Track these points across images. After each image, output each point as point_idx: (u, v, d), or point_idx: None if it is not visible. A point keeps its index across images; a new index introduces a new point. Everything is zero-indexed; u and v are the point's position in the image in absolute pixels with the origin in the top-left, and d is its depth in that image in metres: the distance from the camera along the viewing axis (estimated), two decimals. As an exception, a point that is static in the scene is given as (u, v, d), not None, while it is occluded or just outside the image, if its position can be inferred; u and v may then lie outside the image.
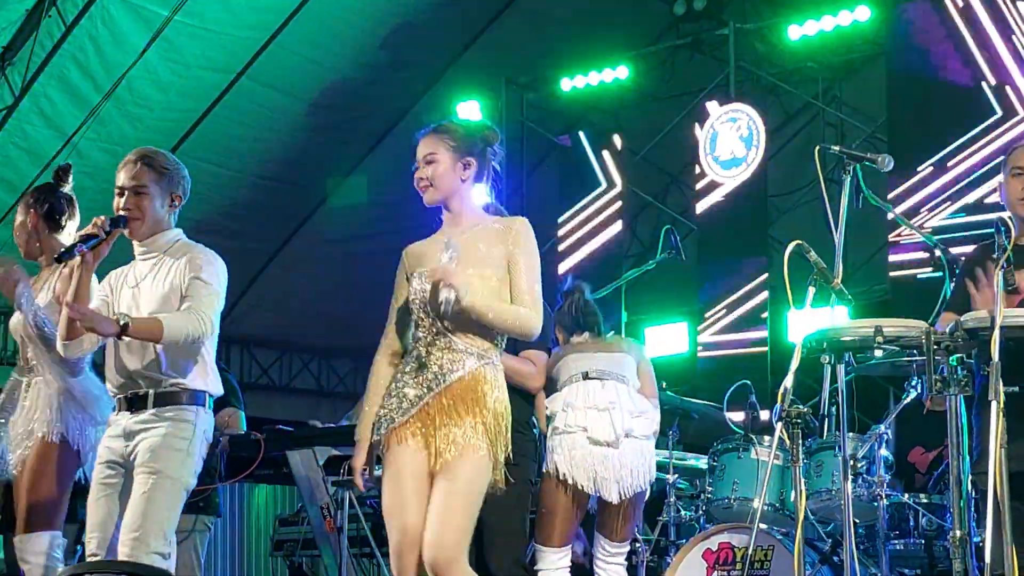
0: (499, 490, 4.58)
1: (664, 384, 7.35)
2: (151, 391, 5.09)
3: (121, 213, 5.17)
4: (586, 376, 5.84)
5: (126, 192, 5.20)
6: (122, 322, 4.88)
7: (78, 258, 5.05)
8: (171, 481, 5.02)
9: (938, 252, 5.39)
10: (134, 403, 5.12)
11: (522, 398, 5.37)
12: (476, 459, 4.44)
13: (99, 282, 5.31)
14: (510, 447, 4.57)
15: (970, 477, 4.61)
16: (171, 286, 5.13)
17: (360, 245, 12.38)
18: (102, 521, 5.11)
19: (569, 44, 12.44)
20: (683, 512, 7.21)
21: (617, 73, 12.44)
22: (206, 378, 5.17)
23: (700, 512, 7.01)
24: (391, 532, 4.54)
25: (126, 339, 5.02)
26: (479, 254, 4.58)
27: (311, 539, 8.06)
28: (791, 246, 5.20)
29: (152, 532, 4.95)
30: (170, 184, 5.25)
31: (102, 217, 5.09)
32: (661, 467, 7.07)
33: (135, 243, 5.28)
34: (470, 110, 12.45)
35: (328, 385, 14.27)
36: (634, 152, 12.78)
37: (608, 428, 5.74)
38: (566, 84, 12.66)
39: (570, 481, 5.69)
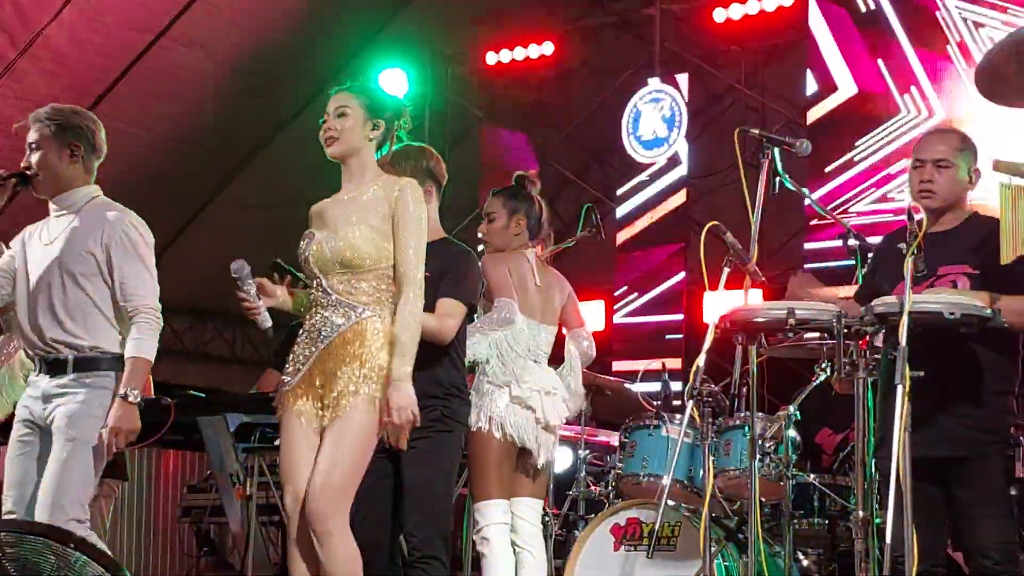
0: (417, 450, 4.72)
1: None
2: (71, 356, 5.06)
3: (22, 168, 5.12)
4: (529, 356, 5.87)
5: (28, 149, 5.16)
6: (133, 402, 4.95)
7: None
8: (86, 448, 4.99)
9: (851, 239, 5.44)
10: (53, 367, 5.08)
11: (455, 361, 5.35)
12: (357, 414, 4.49)
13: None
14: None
15: (874, 459, 4.67)
16: (87, 247, 5.07)
17: (278, 212, 12.30)
18: (19, 479, 5.10)
19: (496, 19, 12.41)
20: (592, 487, 7.26)
21: (542, 49, 12.44)
22: (119, 341, 5.13)
23: (609, 488, 7.05)
24: (286, 497, 4.64)
25: (37, 302, 5.05)
26: (369, 209, 4.66)
27: (219, 506, 8.03)
28: (708, 227, 5.25)
29: (68, 498, 4.94)
30: (66, 137, 5.15)
31: (1, 171, 5.07)
32: (572, 442, 7.13)
33: (49, 201, 5.22)
34: (395, 79, 12.40)
35: (242, 352, 14.18)
36: (556, 129, 12.79)
37: (552, 411, 5.82)
38: (491, 58, 12.64)
39: (500, 436, 5.71)
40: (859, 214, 10.40)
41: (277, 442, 7.13)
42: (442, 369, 5.24)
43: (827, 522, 6.37)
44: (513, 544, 5.75)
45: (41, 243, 5.18)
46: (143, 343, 5.02)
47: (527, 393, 5.73)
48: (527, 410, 5.75)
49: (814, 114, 10.90)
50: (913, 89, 10.42)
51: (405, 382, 4.50)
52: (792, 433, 6.25)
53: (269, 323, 4.78)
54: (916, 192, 5.05)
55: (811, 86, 10.91)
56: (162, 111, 11.33)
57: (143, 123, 11.12)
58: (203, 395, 7.49)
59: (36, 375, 5.15)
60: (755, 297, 5.68)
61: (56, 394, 5.04)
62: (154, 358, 5.05)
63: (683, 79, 11.90)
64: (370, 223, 4.64)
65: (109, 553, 4.76)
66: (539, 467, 5.86)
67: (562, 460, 7.02)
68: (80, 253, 5.07)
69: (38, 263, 5.13)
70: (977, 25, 10.15)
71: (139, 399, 4.98)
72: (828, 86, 10.84)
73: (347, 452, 4.51)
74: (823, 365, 6.13)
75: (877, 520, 4.64)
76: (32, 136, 5.15)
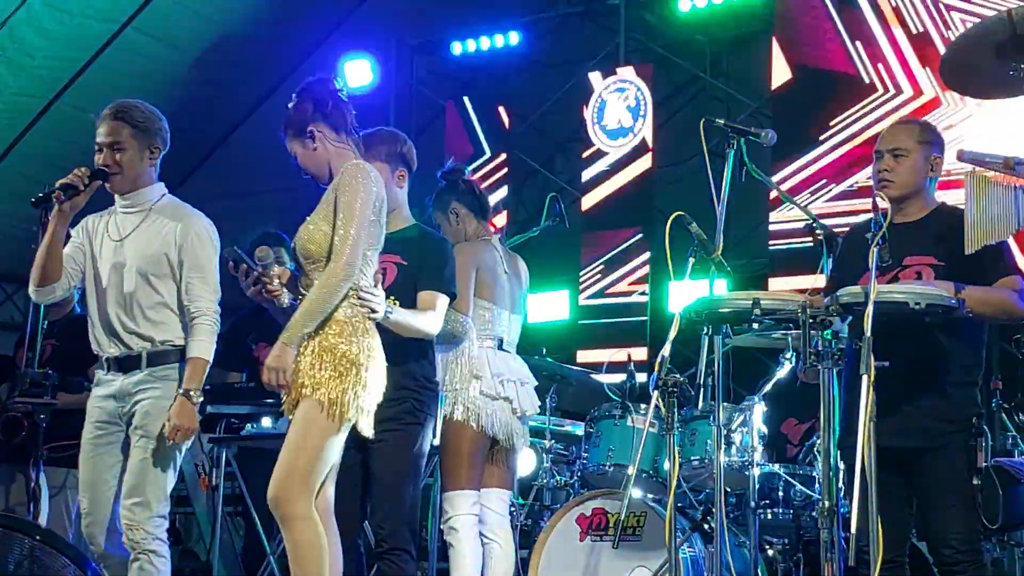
0: (386, 443, 4.80)
1: (544, 350, 7.42)
2: (144, 351, 5.22)
3: (101, 167, 5.25)
4: (500, 346, 5.87)
5: (104, 148, 5.27)
6: (196, 401, 5.14)
7: (56, 207, 5.12)
8: (167, 444, 5.15)
9: (817, 229, 5.46)
10: (126, 363, 5.22)
11: (426, 353, 5.35)
12: (307, 404, 4.55)
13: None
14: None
15: (839, 449, 4.69)
16: (161, 249, 5.25)
17: (243, 201, 12.26)
18: (93, 481, 5.24)
19: (461, 8, 12.38)
20: (558, 477, 7.27)
21: (508, 39, 12.43)
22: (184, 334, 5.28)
23: (575, 478, 7.07)
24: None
25: (111, 298, 5.23)
26: (324, 200, 4.75)
27: (184, 496, 8.01)
28: (673, 217, 5.26)
29: (153, 496, 5.12)
30: (147, 136, 5.32)
31: (83, 168, 5.19)
32: (538, 432, 7.14)
33: (117, 196, 5.36)
34: (359, 68, 12.37)
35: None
36: (522, 119, 12.78)
37: (528, 401, 5.89)
38: (457, 48, 12.62)
39: (475, 427, 5.71)
40: (829, 200, 10.42)
41: (243, 432, 7.17)
42: (415, 362, 5.25)
43: (792, 512, 6.39)
44: (481, 535, 5.76)
45: (111, 239, 5.33)
46: (204, 344, 5.20)
47: (499, 388, 5.74)
48: (503, 400, 5.76)
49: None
50: (881, 68, 10.46)
51: (286, 344, 4.56)
52: (757, 423, 6.27)
53: (289, 299, 4.84)
54: (876, 183, 5.08)
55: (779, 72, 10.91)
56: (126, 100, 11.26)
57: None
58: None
59: (106, 374, 5.28)
60: (720, 287, 5.67)
61: (133, 391, 5.20)
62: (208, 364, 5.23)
63: (648, 69, 11.90)
64: (320, 213, 4.71)
65: (73, 545, 4.78)
66: (513, 458, 5.88)
67: (527, 451, 7.02)
68: (154, 254, 5.25)
69: (108, 260, 5.28)
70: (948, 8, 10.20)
71: (201, 398, 5.16)
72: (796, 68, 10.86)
73: (297, 438, 4.57)
74: (788, 355, 6.16)
75: (843, 510, 4.67)
76: (111, 134, 5.28)
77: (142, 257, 5.25)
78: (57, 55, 10.62)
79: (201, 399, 5.18)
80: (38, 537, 5.05)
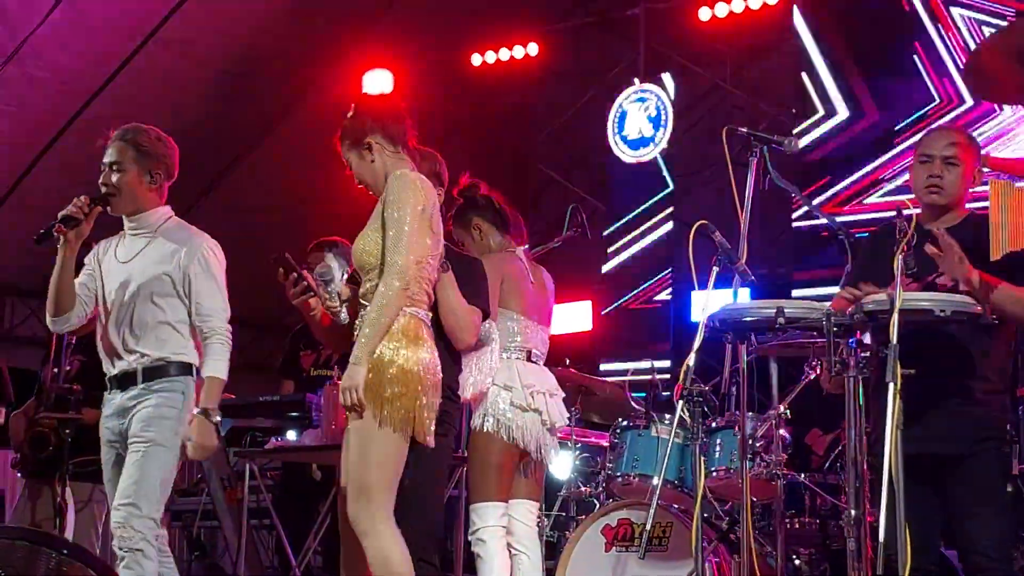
0: (410, 452, 4.72)
1: (567, 361, 7.40)
2: (139, 367, 5.22)
3: (102, 189, 5.28)
4: (529, 357, 5.86)
5: (106, 168, 5.31)
6: (214, 420, 5.17)
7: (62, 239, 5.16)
8: (163, 449, 5.15)
9: (841, 235, 5.43)
10: (124, 380, 5.25)
11: (449, 360, 5.33)
12: (366, 417, 4.57)
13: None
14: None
15: (866, 458, 4.67)
16: (164, 269, 5.26)
17: (266, 213, 12.30)
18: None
19: (480, 19, 12.40)
20: (583, 488, 7.25)
21: (527, 50, 12.43)
22: (193, 351, 5.30)
23: (600, 488, 7.05)
24: None
25: (111, 319, 5.25)
26: (376, 211, 4.77)
27: (211, 510, 8.02)
28: (695, 226, 5.25)
29: (144, 498, 5.08)
30: (149, 160, 5.35)
31: (83, 197, 5.20)
32: (562, 444, 7.12)
33: (124, 219, 5.38)
34: (379, 81, 12.38)
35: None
36: (542, 130, 12.78)
37: (557, 413, 5.84)
38: (476, 59, 12.63)
39: (505, 438, 5.69)
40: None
41: (267, 446, 7.18)
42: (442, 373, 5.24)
43: (819, 521, 6.36)
44: (509, 546, 5.74)
45: (117, 260, 5.35)
46: (219, 364, 5.24)
47: (529, 399, 5.73)
48: (533, 412, 5.74)
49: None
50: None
51: (356, 363, 4.55)
52: (783, 432, 6.25)
53: (346, 315, 4.87)
54: (923, 187, 4.98)
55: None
56: (148, 115, 11.24)
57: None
58: (193, 399, 7.47)
59: (109, 393, 5.31)
60: (744, 296, 5.65)
61: (130, 406, 5.20)
62: (226, 374, 5.26)
63: (668, 78, 11.90)
64: (373, 225, 4.73)
65: (100, 559, 4.78)
66: (542, 469, 5.87)
67: (563, 453, 7.03)
68: (157, 275, 5.26)
69: (114, 281, 5.30)
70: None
71: (219, 419, 5.20)
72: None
73: (360, 453, 4.60)
74: (812, 363, 6.12)
75: (870, 519, 4.64)
76: (113, 156, 5.32)
77: (145, 277, 5.26)
78: (79, 70, 10.66)
79: (219, 419, 5.21)
80: (65, 552, 5.06)
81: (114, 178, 5.29)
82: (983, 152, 5.01)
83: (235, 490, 7.24)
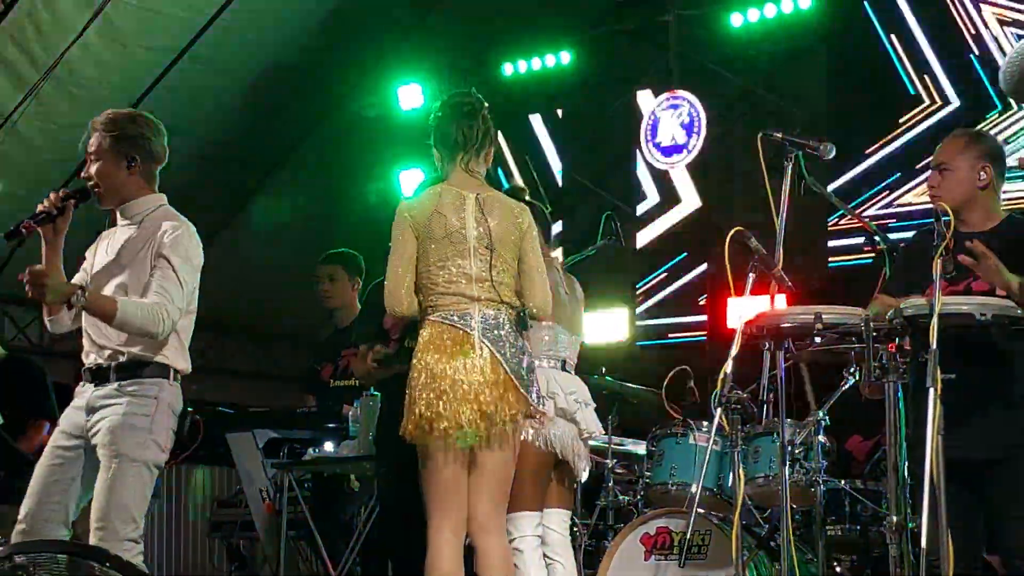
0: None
1: (603, 369, 7.39)
2: (112, 363, 5.00)
3: (87, 184, 5.09)
4: (563, 366, 5.86)
5: (87, 160, 5.11)
6: (76, 301, 4.81)
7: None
8: (134, 464, 4.92)
9: (878, 239, 5.41)
10: (96, 375, 5.03)
11: None
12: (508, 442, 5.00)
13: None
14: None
15: (907, 464, 4.64)
16: (138, 260, 5.02)
17: (298, 227, 12.34)
18: (39, 489, 4.99)
19: (511, 29, 12.41)
20: (621, 497, 7.24)
21: (559, 59, 12.43)
22: (172, 352, 5.06)
23: (638, 497, 7.04)
24: None
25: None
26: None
27: (249, 521, 8.04)
28: (732, 233, 5.23)
29: (119, 519, 4.88)
30: (124, 145, 5.09)
31: (60, 191, 5.01)
32: (599, 451, 7.11)
33: (116, 211, 5.17)
34: (412, 93, 12.40)
35: (266, 368, 14.18)
36: (575, 138, 12.78)
37: (593, 423, 5.83)
38: (508, 69, 12.64)
39: (541, 446, 5.68)
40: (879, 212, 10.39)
41: (306, 457, 7.20)
42: None
43: (859, 528, 6.33)
44: (543, 555, 5.73)
45: (105, 255, 5.15)
46: (134, 305, 4.88)
47: (573, 405, 5.72)
48: (570, 422, 5.73)
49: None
50: (927, 79, 10.43)
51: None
52: (822, 438, 6.22)
53: None
54: (930, 194, 5.07)
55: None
56: (181, 130, 11.35)
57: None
58: (231, 411, 7.51)
59: (82, 386, 5.09)
60: (780, 302, 5.64)
61: (99, 406, 4.98)
62: (122, 321, 4.86)
63: (701, 84, 11.88)
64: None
65: (145, 571, 4.76)
66: (576, 479, 5.87)
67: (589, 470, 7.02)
68: (133, 265, 5.02)
69: (98, 275, 5.10)
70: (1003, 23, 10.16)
71: (81, 302, 4.84)
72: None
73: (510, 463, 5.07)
74: (851, 369, 6.09)
75: (911, 524, 4.62)
76: (91, 146, 5.10)
77: (122, 269, 5.05)
78: (113, 85, 10.71)
79: (80, 302, 4.82)
80: (108, 564, 5.05)
81: (92, 168, 5.08)
82: (1018, 155, 4.99)
83: (273, 502, 7.25)
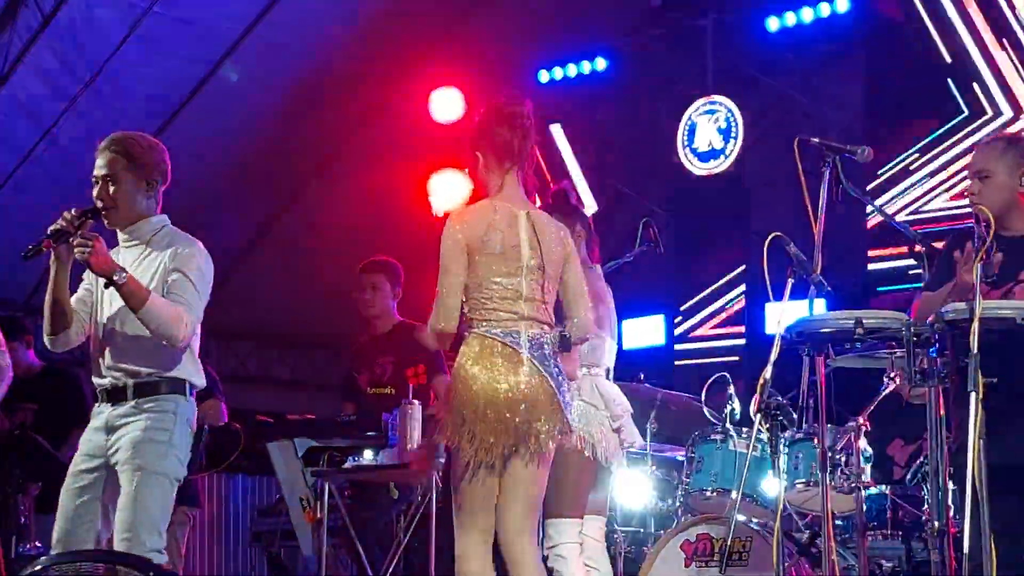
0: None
1: (642, 376, 7.38)
2: (130, 382, 5.04)
3: (98, 203, 5.10)
4: (607, 374, 5.86)
5: (99, 181, 5.12)
6: (119, 278, 4.84)
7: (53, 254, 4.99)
8: (156, 476, 4.98)
9: (917, 244, 5.39)
10: (114, 395, 5.07)
11: None
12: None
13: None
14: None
15: (949, 469, 4.61)
16: (155, 279, 5.06)
17: (336, 235, 12.36)
18: (68, 513, 5.05)
19: (547, 35, 12.41)
20: (661, 503, 7.22)
21: (595, 65, 12.42)
22: (187, 368, 5.13)
23: (678, 503, 7.01)
24: None
25: (105, 331, 5.05)
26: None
27: (290, 530, 8.05)
28: (770, 238, 5.22)
29: (145, 530, 4.93)
30: (143, 170, 5.14)
31: (73, 210, 5.00)
32: (639, 458, 7.10)
33: (118, 231, 5.21)
34: (447, 99, 12.41)
35: (305, 376, 14.22)
36: (612, 144, 12.76)
37: (635, 432, 5.87)
38: (544, 75, 12.63)
39: (588, 454, 5.67)
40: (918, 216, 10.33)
41: (346, 465, 7.21)
42: None
43: (901, 534, 6.29)
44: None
45: None
46: (164, 303, 4.97)
47: (620, 413, 5.72)
48: (615, 431, 5.72)
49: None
50: (976, 87, 10.36)
51: None
52: (862, 444, 6.19)
53: None
54: (970, 203, 5.04)
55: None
56: (219, 139, 11.40)
57: (200, 151, 11.21)
58: (271, 420, 7.53)
59: (99, 405, 5.13)
60: (819, 307, 5.61)
61: (118, 424, 5.03)
62: (149, 315, 4.92)
63: (738, 89, 11.84)
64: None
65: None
66: (608, 484, 5.86)
67: (629, 477, 7.00)
68: (144, 282, 5.03)
69: (107, 294, 5.11)
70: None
71: (123, 279, 4.88)
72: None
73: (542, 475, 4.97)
74: (891, 374, 6.06)
75: (953, 530, 4.59)
76: (104, 168, 5.12)
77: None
78: (152, 97, 10.78)
79: (123, 279, 4.87)
80: (151, 572, 5.07)
81: (110, 190, 5.09)
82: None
83: (313, 510, 7.26)
